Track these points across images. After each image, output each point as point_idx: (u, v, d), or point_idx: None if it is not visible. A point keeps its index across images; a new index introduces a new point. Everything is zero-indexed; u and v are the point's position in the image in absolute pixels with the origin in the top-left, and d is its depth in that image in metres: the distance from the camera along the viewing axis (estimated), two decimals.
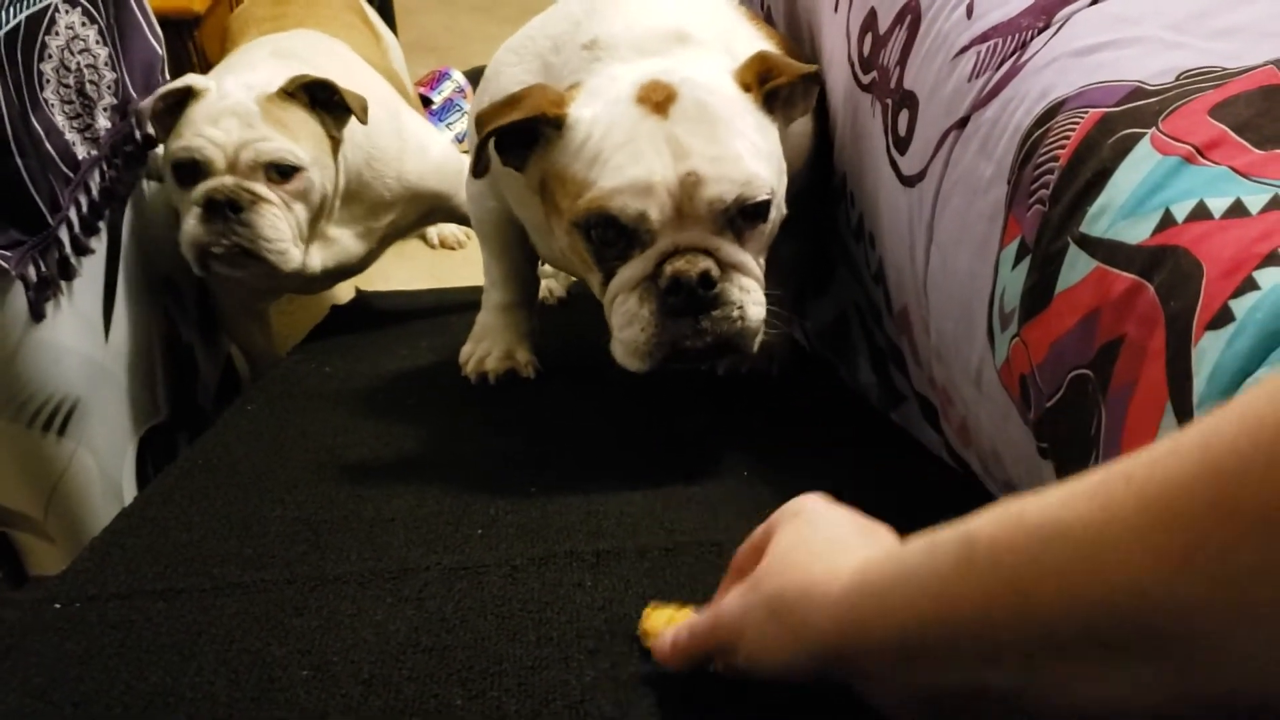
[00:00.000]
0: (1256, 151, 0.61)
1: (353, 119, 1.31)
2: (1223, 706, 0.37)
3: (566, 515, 0.87)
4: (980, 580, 0.42)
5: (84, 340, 1.16)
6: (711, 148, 0.87)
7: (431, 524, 0.86)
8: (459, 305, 1.49)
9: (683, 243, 0.87)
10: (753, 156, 0.89)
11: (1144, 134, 0.65)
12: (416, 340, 1.40)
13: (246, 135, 1.24)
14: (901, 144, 0.90)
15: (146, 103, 1.28)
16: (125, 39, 1.33)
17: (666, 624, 0.67)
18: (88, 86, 1.21)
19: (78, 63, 1.20)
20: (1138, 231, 0.62)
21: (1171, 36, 0.72)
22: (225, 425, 1.13)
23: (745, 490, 0.91)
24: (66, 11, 1.19)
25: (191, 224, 1.25)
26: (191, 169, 1.25)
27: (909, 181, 0.88)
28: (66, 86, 1.17)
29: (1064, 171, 0.68)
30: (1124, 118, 0.67)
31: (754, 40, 1.04)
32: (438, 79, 2.43)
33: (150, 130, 1.31)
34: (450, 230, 1.99)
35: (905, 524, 0.84)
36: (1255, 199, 0.59)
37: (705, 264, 0.86)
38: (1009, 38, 0.80)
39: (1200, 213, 0.60)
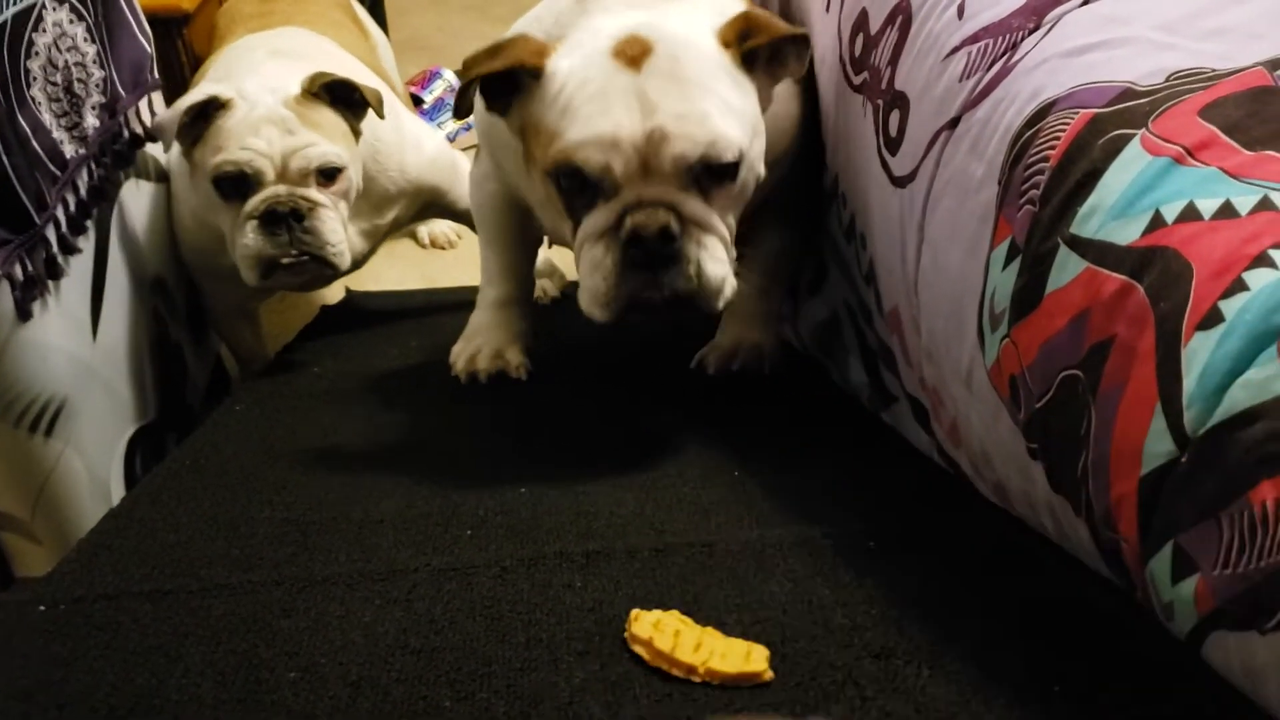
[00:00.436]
0: (1246, 153, 0.61)
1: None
2: None
3: (556, 516, 0.87)
4: None
5: (72, 340, 1.15)
6: (680, 104, 0.87)
7: (420, 525, 0.86)
8: (449, 305, 1.49)
9: (646, 196, 0.87)
10: (722, 114, 0.89)
11: (1134, 135, 0.65)
12: (407, 340, 1.40)
13: (291, 143, 1.23)
14: (892, 144, 0.90)
15: (168, 118, 1.25)
16: (114, 36, 1.32)
17: (654, 627, 0.67)
18: (76, 84, 1.20)
19: (65, 60, 1.19)
20: (1128, 232, 0.62)
21: (1162, 37, 0.72)
22: (214, 425, 1.12)
23: (735, 491, 0.90)
24: (54, 9, 1.18)
25: (252, 237, 1.23)
26: (239, 181, 1.23)
27: (900, 182, 0.88)
28: (54, 84, 1.16)
29: (1054, 172, 0.68)
30: (1114, 118, 0.67)
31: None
32: (429, 78, 2.43)
33: (165, 142, 1.28)
34: (441, 229, 1.99)
35: (895, 524, 0.84)
36: (1245, 200, 0.59)
37: (665, 218, 0.87)
38: (1000, 38, 0.80)
39: (1190, 214, 0.60)
